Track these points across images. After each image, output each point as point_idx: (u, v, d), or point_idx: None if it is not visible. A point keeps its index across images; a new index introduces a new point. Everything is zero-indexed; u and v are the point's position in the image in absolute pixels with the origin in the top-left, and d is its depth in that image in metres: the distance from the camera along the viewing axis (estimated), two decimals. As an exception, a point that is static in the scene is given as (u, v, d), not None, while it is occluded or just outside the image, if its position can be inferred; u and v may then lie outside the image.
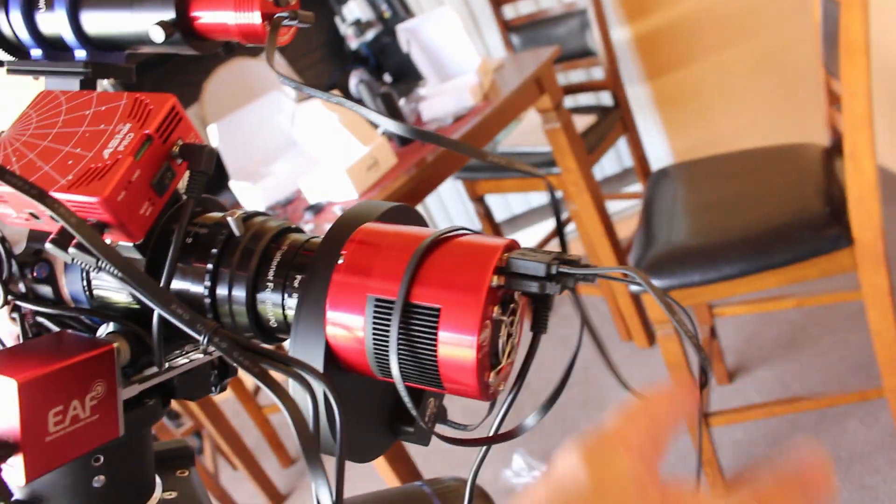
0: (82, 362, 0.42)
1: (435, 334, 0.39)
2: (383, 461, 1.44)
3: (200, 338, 0.39)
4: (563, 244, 0.46)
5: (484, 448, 0.46)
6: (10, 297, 0.46)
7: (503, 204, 3.02)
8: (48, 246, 0.39)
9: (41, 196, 0.37)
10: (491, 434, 0.45)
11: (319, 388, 0.40)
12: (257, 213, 0.48)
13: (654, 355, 2.21)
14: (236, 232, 0.45)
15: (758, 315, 2.14)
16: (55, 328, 0.48)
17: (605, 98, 2.60)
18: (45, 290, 0.48)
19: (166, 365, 0.51)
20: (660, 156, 2.79)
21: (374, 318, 0.40)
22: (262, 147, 1.79)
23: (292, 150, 1.82)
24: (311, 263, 0.43)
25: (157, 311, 0.40)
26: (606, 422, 0.37)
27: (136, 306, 0.47)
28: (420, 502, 0.73)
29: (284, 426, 2.65)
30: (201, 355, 0.53)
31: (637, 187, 2.70)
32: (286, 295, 0.44)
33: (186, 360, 0.52)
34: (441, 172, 1.62)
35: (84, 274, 0.47)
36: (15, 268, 0.46)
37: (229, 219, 0.45)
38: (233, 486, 2.42)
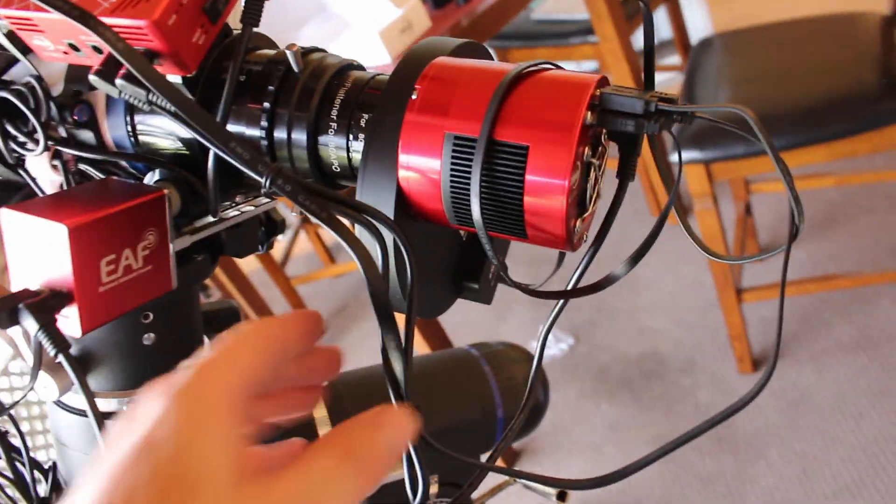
0: (133, 208, 0.39)
1: (522, 176, 0.36)
2: (416, 331, 1.44)
3: (262, 180, 0.36)
4: (651, 80, 0.42)
5: (560, 302, 0.43)
6: (50, 143, 0.43)
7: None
8: (92, 78, 0.35)
9: (84, 17, 0.33)
10: (570, 287, 0.42)
11: (390, 236, 0.37)
12: (315, 49, 0.43)
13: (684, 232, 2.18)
14: (295, 68, 0.41)
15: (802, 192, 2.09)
16: (99, 175, 0.45)
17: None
18: (87, 135, 0.44)
19: (218, 216, 0.48)
20: (698, 28, 2.66)
21: (454, 158, 0.36)
22: (290, 10, 1.71)
23: (321, 14, 1.74)
24: (380, 102, 0.39)
25: (213, 152, 0.37)
26: (214, 345, 0.31)
27: (186, 152, 0.44)
28: (469, 363, 0.72)
29: (313, 297, 2.67)
30: (252, 207, 0.50)
31: (675, 59, 2.59)
32: (351, 137, 0.40)
33: (237, 213, 0.49)
34: (476, 38, 1.54)
35: (129, 116, 0.43)
36: (54, 110, 0.43)
37: (288, 52, 0.40)
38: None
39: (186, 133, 0.42)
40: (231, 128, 0.42)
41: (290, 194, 0.35)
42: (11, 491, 0.57)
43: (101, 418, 0.42)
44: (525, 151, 0.36)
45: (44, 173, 0.45)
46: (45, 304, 0.36)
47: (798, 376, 1.68)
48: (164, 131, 0.43)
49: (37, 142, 0.42)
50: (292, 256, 2.73)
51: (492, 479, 0.80)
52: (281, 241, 2.78)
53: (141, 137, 0.44)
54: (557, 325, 2.05)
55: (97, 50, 0.37)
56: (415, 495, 0.37)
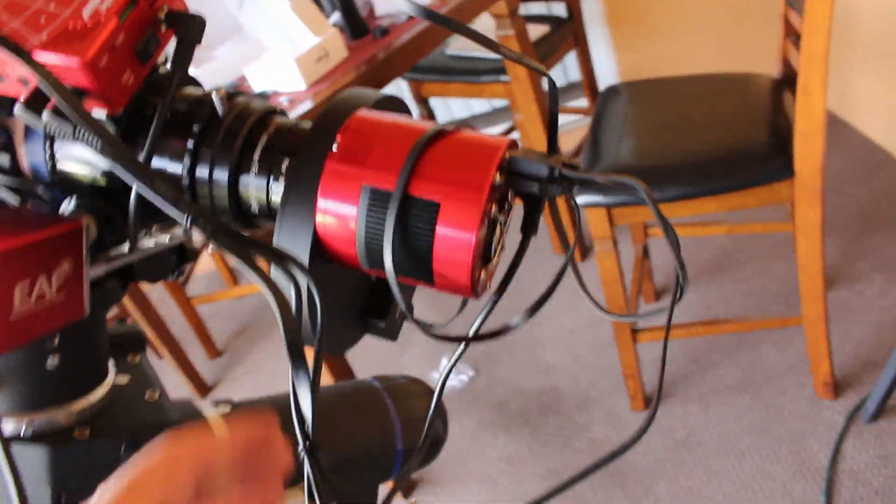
0: (52, 238, 0.39)
1: (432, 229, 0.38)
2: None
3: (182, 219, 0.37)
4: (554, 144, 0.45)
5: (462, 345, 0.46)
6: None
7: (444, 108, 2.98)
8: (19, 109, 0.36)
9: (19, 51, 0.34)
10: (472, 333, 0.45)
11: (303, 280, 0.39)
12: (239, 93, 0.45)
13: (587, 268, 2.26)
14: (220, 110, 0.42)
15: (689, 239, 2.20)
16: (13, 200, 0.45)
17: (559, 9, 2.55)
18: (3, 158, 0.44)
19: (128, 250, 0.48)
20: (605, 73, 2.78)
21: (370, 209, 0.39)
22: (207, 29, 1.70)
23: (238, 35, 1.74)
24: (302, 148, 0.41)
25: (135, 188, 0.38)
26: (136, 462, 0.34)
27: (104, 182, 0.44)
28: (371, 395, 0.73)
29: (212, 317, 2.63)
30: (166, 239, 0.51)
31: (583, 102, 2.69)
32: (272, 178, 0.42)
33: (152, 243, 0.49)
34: (392, 71, 1.58)
35: (48, 145, 0.44)
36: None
37: (213, 95, 0.42)
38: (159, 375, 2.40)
39: (104, 163, 0.43)
40: (154, 163, 0.43)
41: (210, 235, 0.37)
42: None
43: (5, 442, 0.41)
44: (437, 208, 0.38)
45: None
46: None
47: (686, 415, 1.76)
48: (83, 161, 0.44)
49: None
50: (194, 275, 2.68)
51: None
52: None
53: (59, 165, 0.44)
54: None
55: (23, 81, 0.38)
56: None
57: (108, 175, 0.44)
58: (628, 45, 2.73)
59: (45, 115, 0.36)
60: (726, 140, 1.48)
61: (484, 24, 2.31)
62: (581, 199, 1.50)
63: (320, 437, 0.69)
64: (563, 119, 2.87)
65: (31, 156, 0.44)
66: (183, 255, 0.57)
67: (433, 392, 0.80)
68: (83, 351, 0.53)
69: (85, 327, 0.53)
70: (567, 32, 2.30)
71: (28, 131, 0.44)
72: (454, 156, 0.39)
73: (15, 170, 0.45)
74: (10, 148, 0.44)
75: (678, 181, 1.44)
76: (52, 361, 0.51)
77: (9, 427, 0.51)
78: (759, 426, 1.69)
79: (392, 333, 0.51)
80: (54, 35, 0.36)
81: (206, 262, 2.76)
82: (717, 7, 2.63)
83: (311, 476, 0.39)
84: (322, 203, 0.39)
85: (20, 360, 0.50)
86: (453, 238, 0.38)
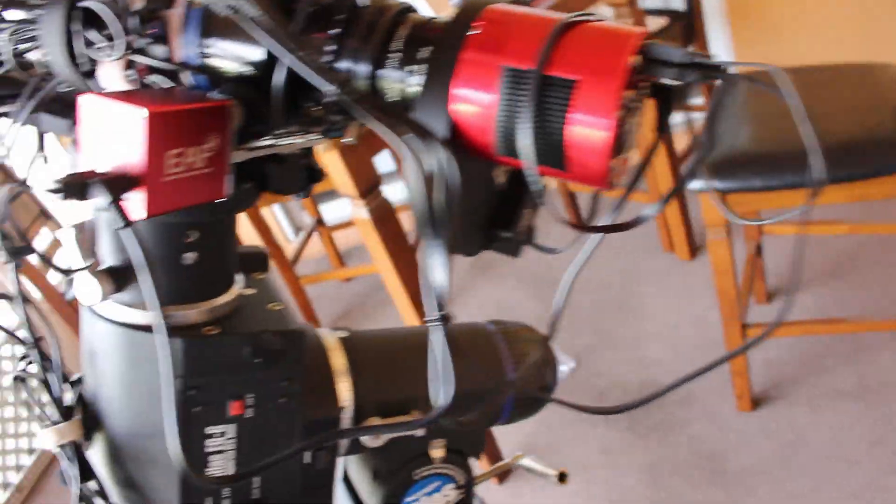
0: (203, 109, 0.42)
1: (567, 108, 0.38)
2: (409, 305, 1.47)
3: (331, 88, 0.39)
4: (689, 41, 0.45)
5: (596, 239, 0.46)
6: (127, 52, 0.46)
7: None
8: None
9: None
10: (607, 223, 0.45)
11: (435, 159, 0.40)
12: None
13: (695, 267, 2.21)
14: (362, 1, 0.44)
15: (807, 239, 2.12)
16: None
17: (677, 2, 2.51)
18: (159, 50, 0.47)
19: (269, 142, 0.50)
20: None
21: (509, 89, 0.39)
22: None
23: None
24: (440, 38, 0.42)
25: (285, 61, 0.40)
26: None
27: (251, 74, 0.47)
28: (486, 337, 0.74)
29: (319, 298, 2.69)
30: (302, 139, 0.53)
31: (699, 101, 2.63)
32: (411, 70, 0.43)
33: (290, 142, 0.51)
34: None
35: (200, 36, 0.46)
36: (135, 22, 0.46)
37: (358, -16, 0.43)
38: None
39: (254, 55, 0.45)
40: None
41: (356, 104, 0.38)
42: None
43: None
44: (574, 85, 0.38)
45: (112, 83, 0.48)
46: (116, 183, 0.39)
47: (794, 418, 1.69)
48: (232, 55, 0.46)
49: (116, 49, 0.45)
50: (303, 258, 2.76)
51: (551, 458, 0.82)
52: (293, 243, 2.81)
53: (208, 60, 0.47)
54: (560, 347, 2.07)
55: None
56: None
57: (255, 66, 0.46)
58: (748, 39, 2.66)
59: (207, -13, 0.38)
60: (851, 128, 1.42)
61: (601, 14, 2.30)
62: (695, 185, 1.46)
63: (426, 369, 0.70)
64: (678, 117, 2.81)
65: (184, 48, 0.47)
66: (311, 174, 0.59)
67: (545, 339, 0.80)
68: (217, 252, 0.56)
69: (220, 227, 0.56)
70: (685, 26, 2.26)
71: (184, 24, 0.47)
72: (592, 39, 0.39)
73: (168, 61, 0.48)
74: (165, 41, 0.47)
75: (799, 168, 1.39)
76: (188, 258, 0.54)
77: (143, 319, 0.54)
78: (873, 435, 1.61)
79: (515, 249, 0.51)
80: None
81: (317, 246, 2.83)
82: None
83: (443, 345, 0.40)
84: (459, 90, 0.40)
85: (159, 252, 0.53)
86: (591, 118, 0.38)
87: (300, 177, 0.58)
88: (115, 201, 0.39)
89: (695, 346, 1.98)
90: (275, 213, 2.94)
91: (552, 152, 0.40)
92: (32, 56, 0.51)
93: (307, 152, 0.57)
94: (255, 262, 0.65)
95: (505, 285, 2.37)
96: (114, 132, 0.40)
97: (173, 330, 0.54)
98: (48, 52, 0.48)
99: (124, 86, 0.47)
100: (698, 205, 2.40)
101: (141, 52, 0.46)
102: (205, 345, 0.54)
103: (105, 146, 0.40)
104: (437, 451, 0.71)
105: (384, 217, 1.44)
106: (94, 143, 0.41)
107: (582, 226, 0.43)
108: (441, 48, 0.41)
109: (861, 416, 1.65)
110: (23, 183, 0.55)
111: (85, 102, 0.41)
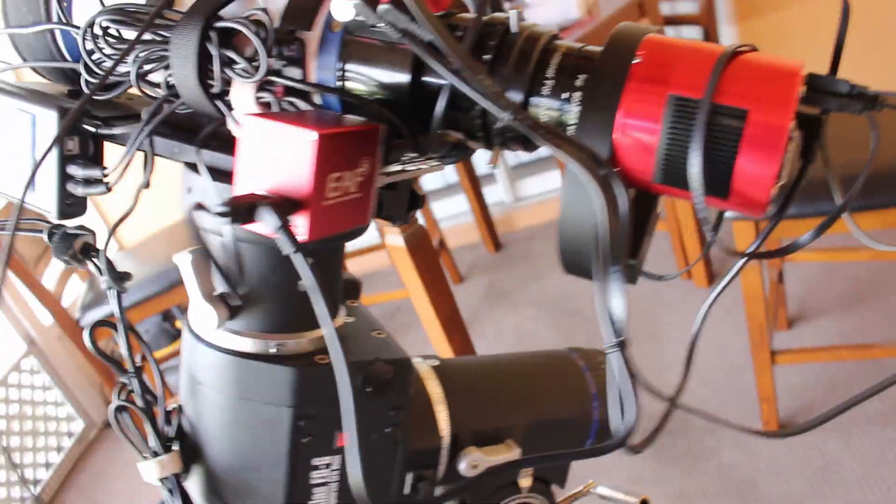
0: (360, 133, 0.41)
1: (739, 138, 0.38)
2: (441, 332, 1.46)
3: (504, 115, 0.39)
4: (836, 69, 0.45)
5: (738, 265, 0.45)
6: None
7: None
8: (356, 2, 0.38)
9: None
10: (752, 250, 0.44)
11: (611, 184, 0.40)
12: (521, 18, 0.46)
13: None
14: (514, 28, 0.44)
15: (825, 266, 2.13)
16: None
17: (694, 34, 2.54)
18: (295, 72, 0.46)
19: (398, 167, 0.50)
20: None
21: (675, 118, 0.39)
22: None
23: None
24: (599, 64, 0.41)
25: (454, 82, 0.39)
26: None
27: (389, 100, 0.46)
28: (569, 363, 0.73)
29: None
30: (426, 166, 0.52)
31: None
32: (564, 98, 0.43)
33: (416, 168, 0.51)
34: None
35: (339, 59, 0.46)
36: (273, 42, 0.45)
37: (511, 13, 0.43)
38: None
39: (398, 79, 0.44)
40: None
41: (532, 128, 0.38)
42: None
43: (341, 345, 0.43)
44: (745, 115, 0.38)
45: (244, 105, 0.47)
46: (282, 206, 0.38)
47: (824, 444, 1.69)
48: (374, 79, 0.46)
49: (256, 69, 0.45)
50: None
51: (570, 486, 0.81)
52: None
53: (347, 83, 0.46)
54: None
55: (349, -19, 0.40)
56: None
57: (395, 91, 0.45)
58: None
59: (383, 7, 0.37)
60: (886, 156, 1.43)
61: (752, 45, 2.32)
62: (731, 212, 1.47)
63: (520, 396, 0.69)
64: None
65: (321, 70, 0.46)
66: (414, 201, 0.58)
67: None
68: (329, 278, 0.55)
69: (334, 253, 0.56)
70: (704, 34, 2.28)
71: (322, 46, 0.46)
72: (758, 69, 0.39)
73: (303, 82, 0.47)
74: (301, 62, 0.46)
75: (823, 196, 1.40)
76: (304, 285, 0.53)
77: (253, 347, 0.53)
78: (906, 461, 1.61)
79: (635, 276, 0.51)
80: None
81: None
82: (855, 34, 2.56)
83: (624, 371, 0.39)
84: (622, 118, 0.40)
85: (277, 279, 0.52)
86: (760, 147, 0.38)
87: (405, 204, 0.57)
88: (285, 225, 0.38)
89: (719, 372, 1.98)
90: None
91: (719, 181, 0.40)
92: (155, 77, 0.50)
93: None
94: (349, 290, 0.64)
95: (522, 314, 2.36)
96: (279, 154, 0.39)
97: (285, 359, 0.53)
98: (177, 72, 0.47)
99: (255, 108, 0.47)
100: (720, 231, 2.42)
101: (278, 73, 0.46)
102: (318, 374, 0.53)
103: (267, 168, 0.40)
104: (525, 481, 0.70)
105: (419, 244, 1.44)
106: (255, 165, 0.40)
107: (738, 253, 0.43)
108: (600, 77, 0.41)
109: (891, 441, 1.65)
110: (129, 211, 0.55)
111: (248, 123, 0.40)
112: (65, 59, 0.58)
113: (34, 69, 0.61)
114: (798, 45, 2.61)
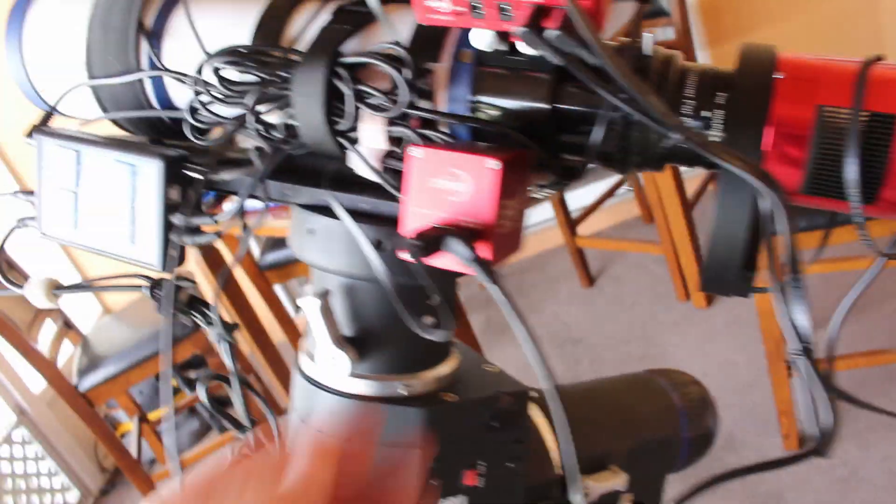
0: (520, 157, 0.41)
1: (890, 143, 0.39)
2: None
3: (673, 134, 0.39)
4: None
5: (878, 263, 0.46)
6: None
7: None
8: (521, 31, 0.38)
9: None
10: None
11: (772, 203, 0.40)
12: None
13: (713, 314, 2.23)
14: (647, 51, 0.44)
15: (821, 276, 2.16)
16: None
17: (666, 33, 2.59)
18: (424, 104, 0.46)
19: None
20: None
21: (824, 128, 0.40)
22: None
23: None
24: (738, 83, 0.42)
25: (620, 105, 0.39)
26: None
27: (521, 128, 0.46)
28: (653, 384, 0.73)
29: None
30: (542, 193, 0.52)
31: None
32: (706, 116, 0.43)
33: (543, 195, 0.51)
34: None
35: (472, 88, 0.45)
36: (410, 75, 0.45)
37: (645, 34, 0.43)
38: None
39: (538, 107, 0.44)
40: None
41: (703, 146, 0.38)
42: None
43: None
44: (892, 120, 0.39)
45: (375, 140, 0.46)
46: (467, 236, 0.38)
47: (845, 453, 1.70)
48: (505, 109, 0.45)
49: (394, 102, 0.44)
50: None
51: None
52: (297, 318, 2.76)
53: (478, 114, 0.46)
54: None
55: (503, 11, 0.40)
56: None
57: (534, 118, 0.45)
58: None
59: (553, 34, 0.37)
60: None
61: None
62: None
63: (617, 420, 0.68)
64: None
65: (451, 102, 0.46)
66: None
67: (699, 382, 0.79)
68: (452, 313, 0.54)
69: (454, 288, 0.55)
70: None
71: (452, 78, 0.46)
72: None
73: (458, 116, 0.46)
74: (430, 94, 0.46)
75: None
76: (429, 321, 0.52)
77: (380, 389, 0.52)
78: (926, 463, 1.63)
79: (748, 290, 0.51)
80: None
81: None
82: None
83: (816, 377, 0.39)
84: (771, 130, 0.41)
85: (398, 317, 0.51)
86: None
87: None
88: (476, 257, 0.37)
89: (730, 390, 1.99)
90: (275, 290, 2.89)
91: (870, 187, 0.40)
92: (270, 118, 0.50)
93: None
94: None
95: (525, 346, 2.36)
96: (454, 184, 0.38)
97: (414, 399, 0.52)
98: (300, 111, 0.47)
99: (385, 143, 0.46)
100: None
101: (413, 106, 0.45)
102: (447, 412, 0.52)
103: (440, 199, 0.39)
104: (626, 506, 0.69)
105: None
106: (425, 196, 0.40)
107: (880, 252, 0.44)
108: (743, 93, 0.42)
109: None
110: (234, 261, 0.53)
111: (419, 155, 0.40)
112: (152, 108, 0.57)
113: (114, 121, 0.60)
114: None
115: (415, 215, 0.40)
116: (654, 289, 2.41)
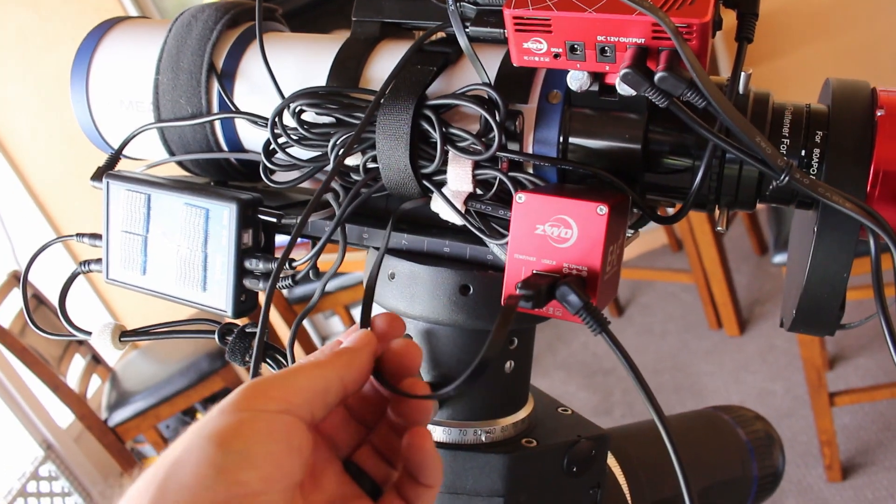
0: (623, 201, 0.40)
1: None
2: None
3: (779, 175, 0.38)
4: None
5: None
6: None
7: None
8: (626, 72, 0.37)
9: (653, 9, 0.35)
10: None
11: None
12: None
13: (746, 342, 2.20)
14: (741, 90, 0.43)
15: (854, 303, 2.13)
16: (513, 189, 0.46)
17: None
18: (513, 146, 0.45)
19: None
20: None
21: None
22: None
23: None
24: (836, 121, 0.41)
25: (724, 146, 0.39)
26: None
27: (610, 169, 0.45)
28: (721, 422, 0.71)
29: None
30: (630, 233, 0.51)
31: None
32: (803, 157, 0.42)
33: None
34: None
35: (560, 129, 0.45)
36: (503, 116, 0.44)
37: (742, 73, 0.43)
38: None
39: (621, 148, 0.43)
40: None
41: (810, 187, 0.37)
42: None
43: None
44: None
45: (460, 183, 0.46)
46: (576, 284, 0.36)
47: (890, 483, 1.66)
48: (595, 150, 0.44)
49: (486, 145, 0.43)
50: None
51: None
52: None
53: (570, 156, 0.45)
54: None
55: (603, 52, 0.39)
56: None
57: (619, 159, 0.44)
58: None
59: (661, 75, 0.36)
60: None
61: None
62: (779, 258, 1.47)
63: (688, 462, 0.66)
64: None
65: (538, 144, 0.45)
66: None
67: (762, 418, 0.77)
68: (526, 356, 0.53)
69: (531, 332, 0.53)
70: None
71: (540, 120, 0.45)
72: None
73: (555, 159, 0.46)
74: (517, 136, 0.45)
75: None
76: (510, 366, 0.51)
77: (462, 436, 0.51)
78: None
79: (835, 327, 0.49)
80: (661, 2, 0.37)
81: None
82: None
83: None
84: (877, 167, 0.40)
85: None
86: None
87: None
88: (587, 304, 0.36)
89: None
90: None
91: None
92: (349, 161, 0.49)
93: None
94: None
95: (554, 378, 2.33)
96: (560, 230, 0.37)
97: (495, 446, 0.51)
98: (383, 153, 0.46)
99: (471, 186, 0.45)
100: (743, 277, 2.43)
101: (504, 148, 0.44)
102: (528, 458, 0.51)
103: (544, 245, 0.38)
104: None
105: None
106: (530, 242, 0.39)
107: None
108: (843, 131, 0.41)
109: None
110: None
111: (525, 200, 0.39)
112: (221, 150, 0.57)
113: (180, 164, 0.59)
114: (795, 91, 2.67)
115: (519, 262, 0.39)
116: (685, 318, 2.38)
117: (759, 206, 0.45)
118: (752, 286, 2.43)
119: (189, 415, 2.63)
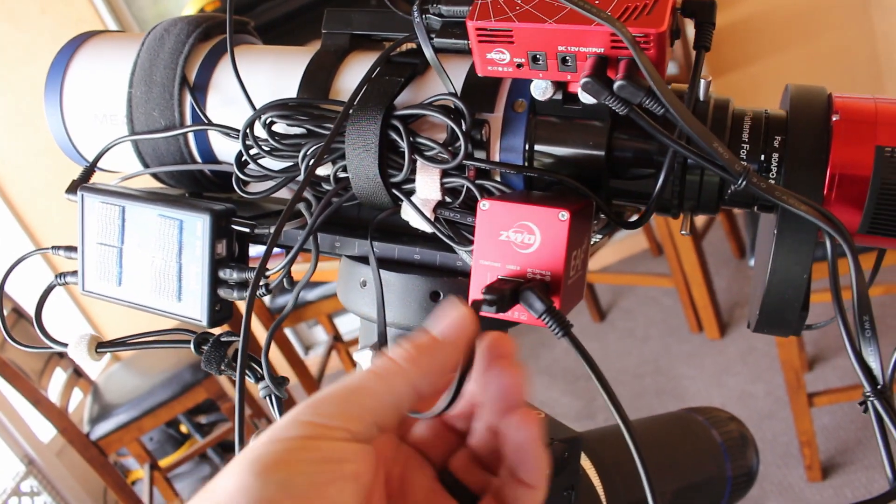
0: (586, 207, 0.41)
1: None
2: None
3: (737, 179, 0.39)
4: None
5: None
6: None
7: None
8: (586, 81, 0.38)
9: (611, 20, 0.36)
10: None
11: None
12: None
13: (727, 345, 2.22)
14: (701, 96, 0.44)
15: (825, 305, 2.16)
16: (478, 195, 0.46)
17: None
18: (479, 154, 0.46)
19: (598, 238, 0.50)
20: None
21: (885, 168, 0.40)
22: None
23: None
24: (794, 126, 0.42)
25: (683, 151, 0.40)
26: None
27: (575, 175, 0.46)
28: (695, 423, 0.72)
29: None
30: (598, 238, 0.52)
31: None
32: (762, 161, 0.43)
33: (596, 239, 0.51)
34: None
35: (527, 137, 0.45)
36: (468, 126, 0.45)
37: (702, 81, 0.44)
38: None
39: (585, 155, 0.44)
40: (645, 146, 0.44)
41: (767, 190, 0.38)
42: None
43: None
44: None
45: (428, 191, 0.46)
46: (542, 287, 0.37)
47: (871, 482, 1.68)
48: (560, 157, 0.45)
49: (453, 154, 0.44)
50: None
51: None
52: (313, 358, 2.76)
53: (535, 163, 0.46)
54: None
55: (564, 62, 0.40)
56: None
57: (582, 167, 0.45)
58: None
59: (620, 83, 0.37)
60: None
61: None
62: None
63: (662, 463, 0.67)
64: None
65: (504, 152, 0.46)
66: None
67: (737, 419, 0.79)
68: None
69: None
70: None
71: (506, 129, 0.46)
72: None
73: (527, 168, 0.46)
74: (484, 145, 0.46)
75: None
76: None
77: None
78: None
79: (801, 328, 0.51)
80: (618, 10, 0.38)
81: (333, 361, 2.78)
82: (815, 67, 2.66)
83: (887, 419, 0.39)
84: (832, 172, 0.41)
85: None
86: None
87: None
88: (550, 307, 0.37)
89: (747, 421, 1.96)
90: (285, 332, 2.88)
91: None
92: (320, 170, 0.50)
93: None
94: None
95: (538, 383, 2.34)
96: (522, 236, 0.38)
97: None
98: (353, 163, 0.47)
99: (439, 194, 0.46)
100: (723, 281, 2.45)
101: (471, 157, 0.45)
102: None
103: (507, 251, 0.39)
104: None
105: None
106: (492, 249, 0.39)
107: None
108: (800, 136, 0.42)
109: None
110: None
111: (489, 207, 0.40)
112: (195, 161, 0.57)
113: (154, 176, 0.60)
114: (769, 97, 2.70)
115: (484, 268, 0.40)
116: (666, 322, 2.40)
117: (738, 210, 0.47)
118: (731, 289, 2.45)
119: (172, 427, 2.62)
